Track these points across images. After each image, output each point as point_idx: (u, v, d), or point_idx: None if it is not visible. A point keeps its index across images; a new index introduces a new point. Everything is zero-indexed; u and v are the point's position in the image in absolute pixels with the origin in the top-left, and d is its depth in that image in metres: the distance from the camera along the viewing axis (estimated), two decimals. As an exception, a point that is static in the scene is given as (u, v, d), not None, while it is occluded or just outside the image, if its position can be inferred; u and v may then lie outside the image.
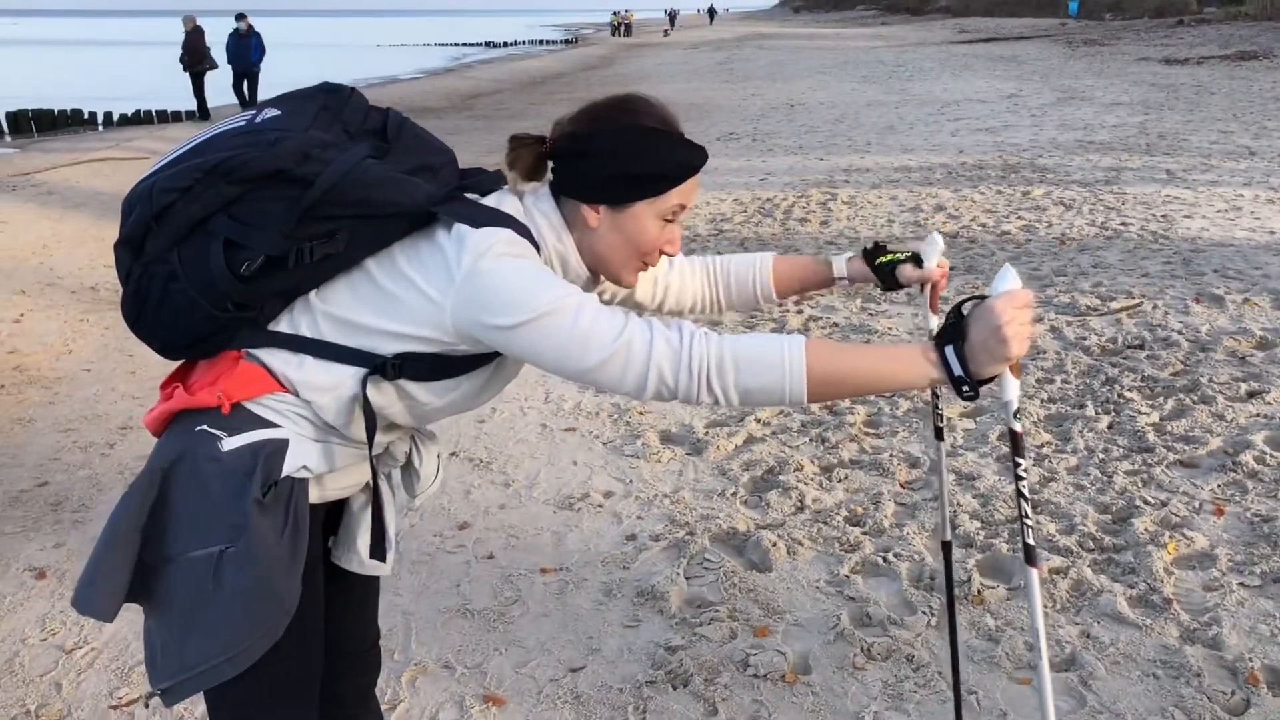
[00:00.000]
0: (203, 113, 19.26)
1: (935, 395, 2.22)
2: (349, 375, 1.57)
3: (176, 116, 20.70)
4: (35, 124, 19.92)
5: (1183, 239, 7.25)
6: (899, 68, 26.13)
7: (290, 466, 1.57)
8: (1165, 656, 2.79)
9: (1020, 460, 1.56)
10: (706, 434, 4.42)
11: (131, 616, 3.10)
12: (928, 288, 1.93)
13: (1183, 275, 6.32)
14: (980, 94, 18.51)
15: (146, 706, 2.82)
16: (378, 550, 1.78)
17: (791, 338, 1.44)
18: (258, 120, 1.57)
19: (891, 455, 4.11)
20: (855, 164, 11.57)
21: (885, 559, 3.35)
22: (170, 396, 1.62)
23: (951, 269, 6.78)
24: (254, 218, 1.51)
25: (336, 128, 1.59)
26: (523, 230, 1.55)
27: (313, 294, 1.58)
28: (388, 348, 1.56)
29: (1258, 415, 4.21)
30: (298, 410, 1.59)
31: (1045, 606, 3.04)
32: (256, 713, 1.66)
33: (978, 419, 4.44)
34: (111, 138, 17.06)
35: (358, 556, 1.78)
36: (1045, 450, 4.08)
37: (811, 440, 4.31)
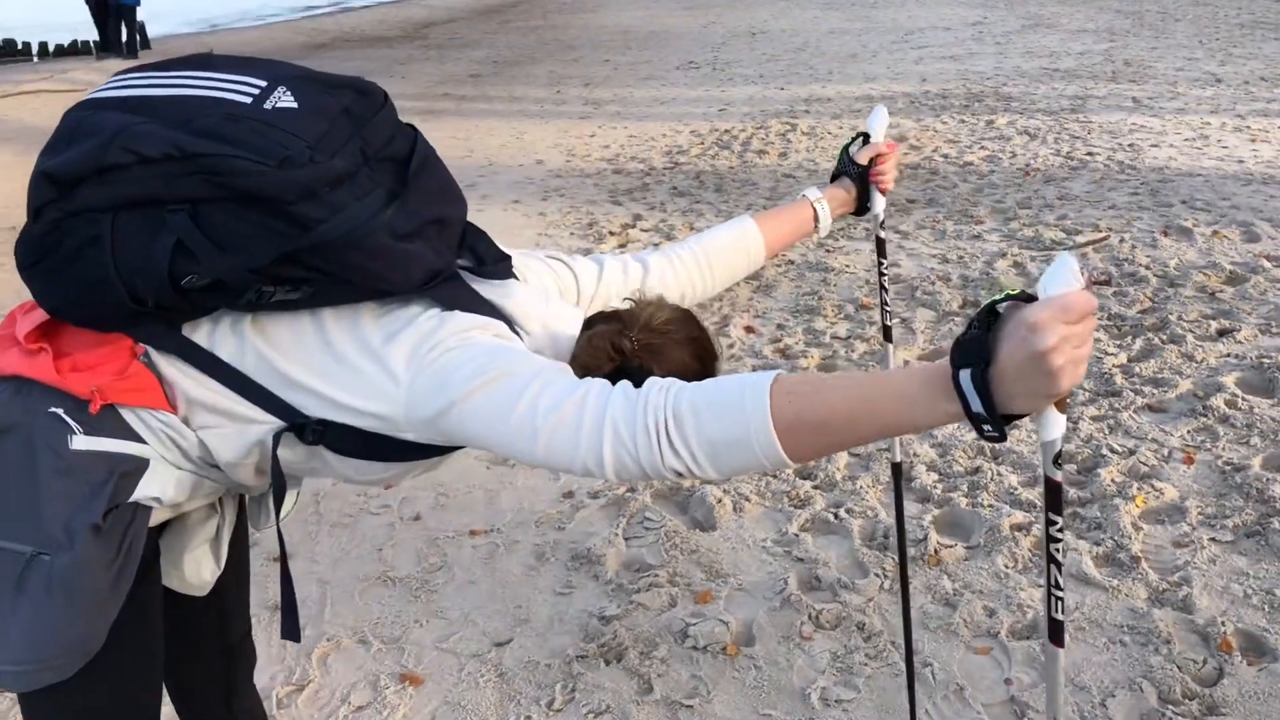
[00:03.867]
0: (124, 48, 17.06)
1: (884, 289, 1.99)
2: (259, 422, 1.33)
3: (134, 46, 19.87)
4: (-35, 55, 19.06)
5: (1150, 169, 7.02)
6: (863, -5, 25.62)
7: (142, 493, 1.31)
8: (1133, 621, 2.60)
9: (1056, 519, 1.07)
10: (652, 381, 4.17)
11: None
12: (872, 180, 1.83)
13: (1150, 206, 6.10)
14: (945, 21, 18.10)
15: None
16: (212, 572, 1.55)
17: (758, 374, 1.14)
18: (266, 106, 1.26)
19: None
20: (816, 94, 11.22)
21: (836, 515, 3.14)
22: (31, 353, 1.32)
23: (910, 201, 6.58)
24: (221, 234, 1.23)
25: (353, 146, 1.28)
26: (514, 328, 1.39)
27: (248, 319, 1.32)
28: (316, 410, 1.31)
29: (1228, 355, 4.01)
30: (174, 436, 1.33)
31: (1007, 567, 2.84)
32: None
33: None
34: (46, 69, 16.33)
35: (179, 576, 1.52)
36: (1007, 395, 3.86)
37: (763, 386, 4.08)
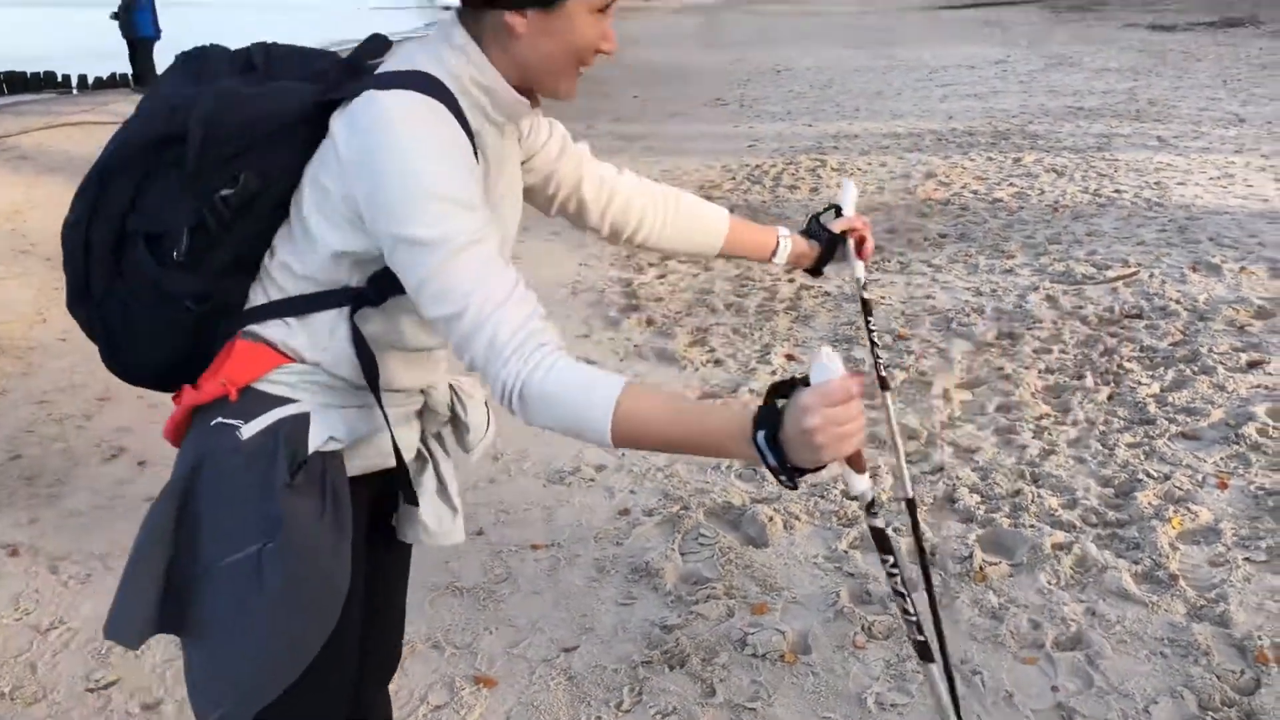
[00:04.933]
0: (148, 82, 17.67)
1: (874, 345, 2.12)
2: (337, 319, 1.43)
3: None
4: (7, 86, 19.51)
5: (1177, 206, 7.17)
6: (885, 32, 25.90)
7: (316, 440, 1.42)
8: (1172, 635, 2.73)
9: (887, 557, 1.32)
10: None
11: (108, 586, 3.02)
12: (851, 240, 1.94)
13: (1178, 243, 6.25)
14: (968, 59, 18.34)
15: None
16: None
17: (608, 384, 1.24)
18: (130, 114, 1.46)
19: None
20: (844, 130, 11.43)
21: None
22: (175, 405, 1.49)
23: (942, 236, 6.74)
24: (156, 200, 1.40)
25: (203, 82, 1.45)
26: (430, 83, 1.34)
27: (265, 256, 1.46)
28: (351, 277, 1.41)
29: (1259, 386, 4.15)
30: (310, 378, 1.45)
31: (1050, 583, 2.97)
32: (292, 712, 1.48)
33: (975, 390, 4.36)
34: (86, 101, 16.69)
35: (423, 526, 1.64)
36: (1045, 422, 4.00)
37: (806, 412, 4.22)
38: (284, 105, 1.39)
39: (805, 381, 1.16)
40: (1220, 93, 12.63)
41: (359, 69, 1.44)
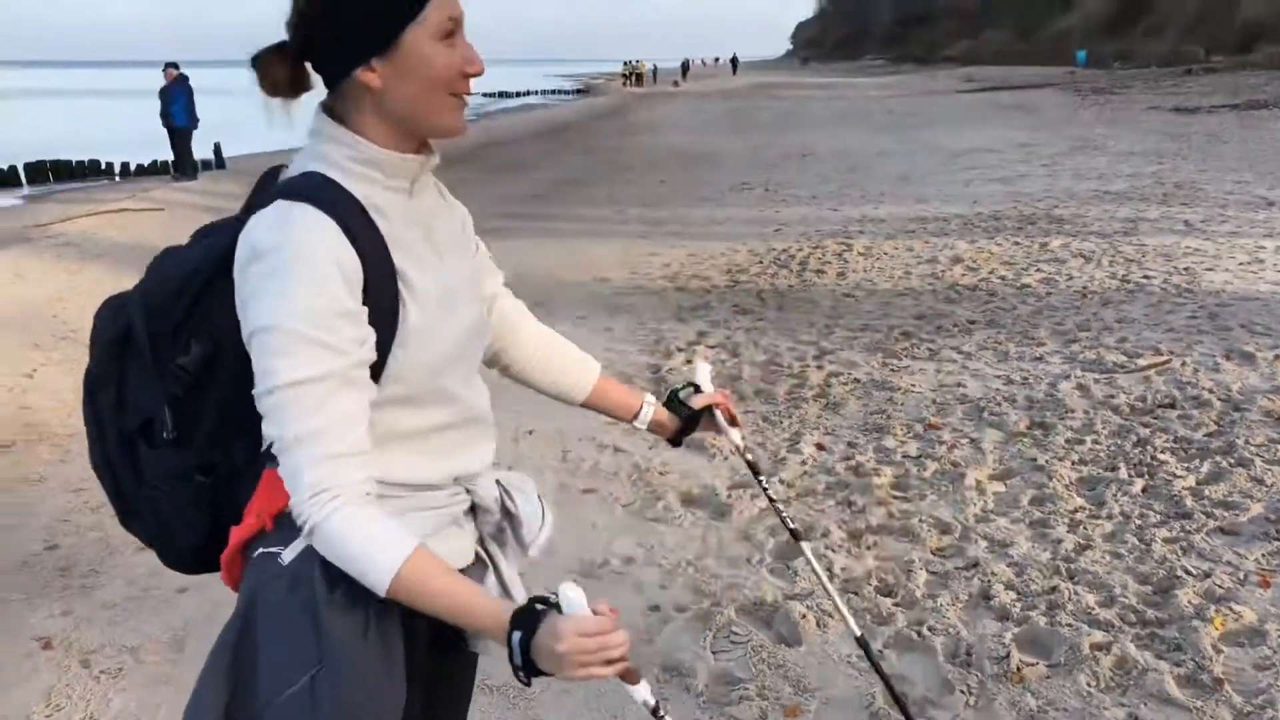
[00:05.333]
0: (187, 169, 17.66)
1: (772, 501, 2.16)
2: None
3: (193, 168, 20.84)
4: (53, 174, 20.08)
5: (1207, 292, 7.16)
6: (910, 116, 26.25)
7: None
8: (1219, 742, 2.66)
9: None
10: (729, 497, 4.31)
11: (138, 681, 3.01)
12: (719, 412, 2.00)
13: (1210, 330, 6.22)
14: (992, 143, 18.54)
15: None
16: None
17: (394, 554, 1.31)
18: None
19: (921, 520, 4.00)
20: (869, 214, 11.54)
21: (919, 633, 3.23)
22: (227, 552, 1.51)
23: (971, 323, 6.75)
24: (135, 393, 1.48)
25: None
26: (313, 183, 1.36)
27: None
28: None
29: (1297, 479, 4.09)
30: None
31: (1090, 685, 2.91)
32: None
33: (1008, 481, 4.33)
34: (128, 188, 17.14)
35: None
36: (1079, 516, 3.96)
37: (838, 504, 4.20)
38: (204, 260, 1.44)
39: (557, 607, 1.28)
40: (1247, 175, 12.67)
41: (264, 189, 1.46)
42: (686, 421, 1.98)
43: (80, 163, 21.02)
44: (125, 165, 21.03)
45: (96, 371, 1.50)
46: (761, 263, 9.25)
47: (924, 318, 7.04)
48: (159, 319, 1.44)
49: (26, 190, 18.86)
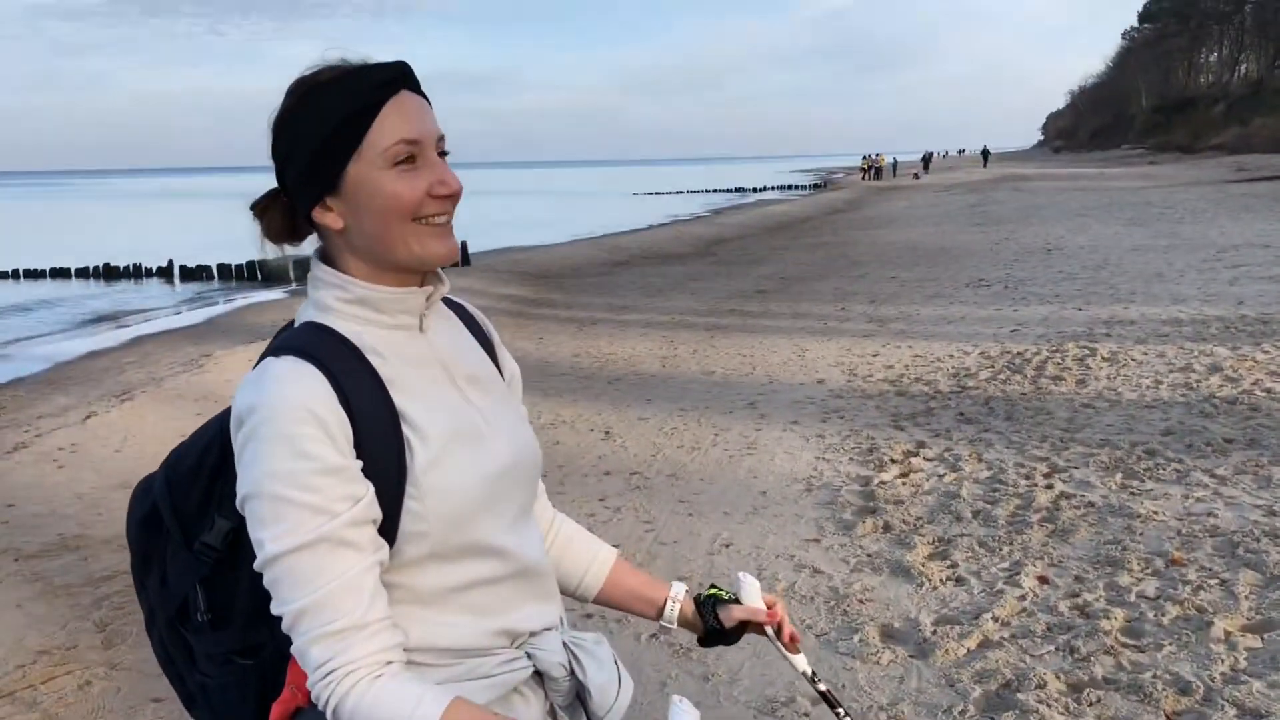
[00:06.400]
0: None
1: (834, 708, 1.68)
2: None
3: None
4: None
5: None
6: (1168, 209, 24.59)
7: None
8: None
9: None
10: (935, 633, 3.92)
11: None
12: (770, 629, 1.65)
13: None
14: (1263, 237, 17.00)
15: None
16: None
17: (429, 711, 1.20)
18: None
19: (1155, 675, 3.48)
20: (1118, 315, 10.72)
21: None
22: None
23: (1228, 441, 6.03)
24: (172, 571, 1.41)
25: None
26: (309, 335, 1.28)
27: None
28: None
29: None
30: None
31: None
32: None
33: (1266, 635, 3.73)
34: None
35: None
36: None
37: (1058, 649, 3.74)
38: (217, 432, 1.38)
39: None
40: None
41: (272, 347, 1.39)
42: (709, 633, 1.67)
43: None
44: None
45: (137, 556, 1.46)
46: (993, 366, 8.71)
47: (1173, 434, 6.36)
48: (182, 497, 1.39)
49: (295, 286, 20.57)
